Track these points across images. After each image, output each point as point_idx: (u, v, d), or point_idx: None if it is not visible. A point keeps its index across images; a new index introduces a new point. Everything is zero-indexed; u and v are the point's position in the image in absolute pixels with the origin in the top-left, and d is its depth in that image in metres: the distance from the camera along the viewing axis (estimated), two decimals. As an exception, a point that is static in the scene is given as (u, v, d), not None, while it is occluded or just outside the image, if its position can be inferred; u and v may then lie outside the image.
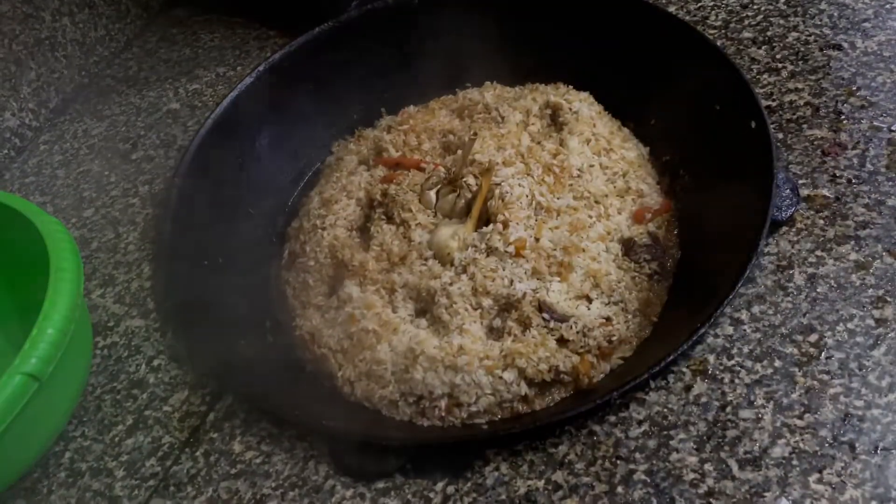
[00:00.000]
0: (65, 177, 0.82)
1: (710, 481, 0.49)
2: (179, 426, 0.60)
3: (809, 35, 0.75)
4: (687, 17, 0.80)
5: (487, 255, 0.64)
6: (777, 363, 0.53)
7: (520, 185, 0.67)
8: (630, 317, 0.62)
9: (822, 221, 0.61)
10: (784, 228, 0.61)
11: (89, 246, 0.74)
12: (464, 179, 0.70)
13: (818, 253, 0.59)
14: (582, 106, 0.75)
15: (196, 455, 0.58)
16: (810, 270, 0.58)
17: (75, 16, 0.89)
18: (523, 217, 0.65)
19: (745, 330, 0.56)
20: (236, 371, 0.61)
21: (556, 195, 0.67)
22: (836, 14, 0.76)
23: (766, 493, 0.48)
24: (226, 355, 0.61)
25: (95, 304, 0.69)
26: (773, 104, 0.70)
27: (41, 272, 0.56)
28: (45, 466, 0.59)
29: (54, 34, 0.87)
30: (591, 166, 0.70)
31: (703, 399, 0.53)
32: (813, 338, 0.54)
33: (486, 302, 0.63)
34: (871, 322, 0.54)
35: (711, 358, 0.55)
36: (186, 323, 0.65)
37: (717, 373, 0.54)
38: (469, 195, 0.70)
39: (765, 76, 0.73)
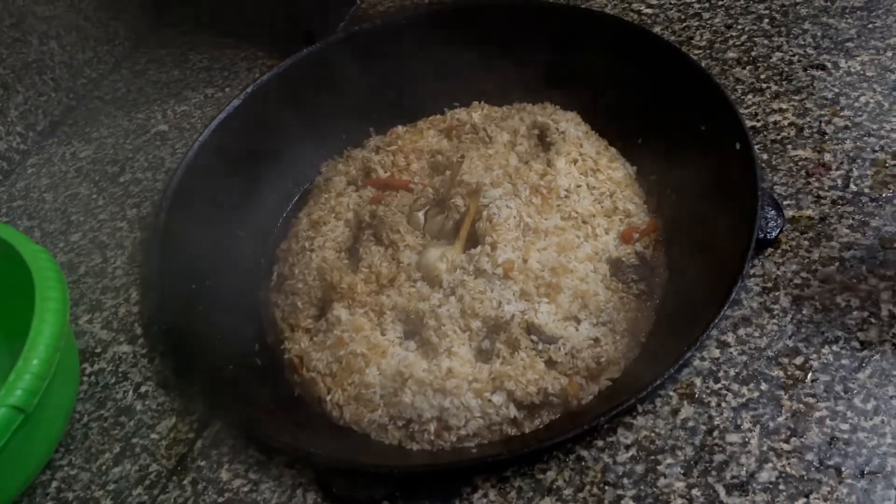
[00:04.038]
0: (52, 200, 0.82)
1: (697, 507, 0.49)
2: (167, 454, 0.59)
3: (793, 55, 0.76)
4: (672, 38, 0.80)
5: (476, 277, 0.64)
6: (763, 386, 0.54)
7: (507, 206, 0.67)
8: (618, 337, 0.62)
9: (806, 242, 0.61)
10: (769, 250, 0.61)
11: (77, 271, 0.74)
12: (452, 201, 0.71)
13: (803, 274, 0.59)
14: (569, 126, 0.75)
15: (184, 483, 0.57)
16: (795, 292, 0.58)
17: (63, 39, 0.89)
18: (511, 238, 0.65)
19: (731, 353, 0.56)
20: (224, 396, 0.60)
21: (543, 216, 0.67)
22: (819, 34, 0.77)
23: (753, 519, 0.48)
24: (214, 380, 0.61)
25: (83, 330, 0.69)
26: (758, 124, 0.70)
27: (27, 300, 0.56)
28: (31, 496, 0.59)
29: (42, 57, 0.87)
30: (579, 186, 0.70)
31: (691, 423, 0.53)
32: (798, 360, 0.54)
33: (475, 324, 0.63)
34: (856, 344, 0.54)
35: (698, 381, 0.55)
36: (174, 348, 0.65)
37: (704, 396, 0.54)
38: (457, 216, 0.70)
39: (749, 96, 0.73)
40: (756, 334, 0.56)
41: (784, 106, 0.71)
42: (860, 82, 0.71)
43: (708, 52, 0.79)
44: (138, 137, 0.87)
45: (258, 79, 0.80)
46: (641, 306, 0.63)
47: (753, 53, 0.77)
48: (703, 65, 0.73)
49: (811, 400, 0.52)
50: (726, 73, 0.76)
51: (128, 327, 0.69)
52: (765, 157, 0.68)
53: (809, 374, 0.54)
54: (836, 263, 0.59)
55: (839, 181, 0.64)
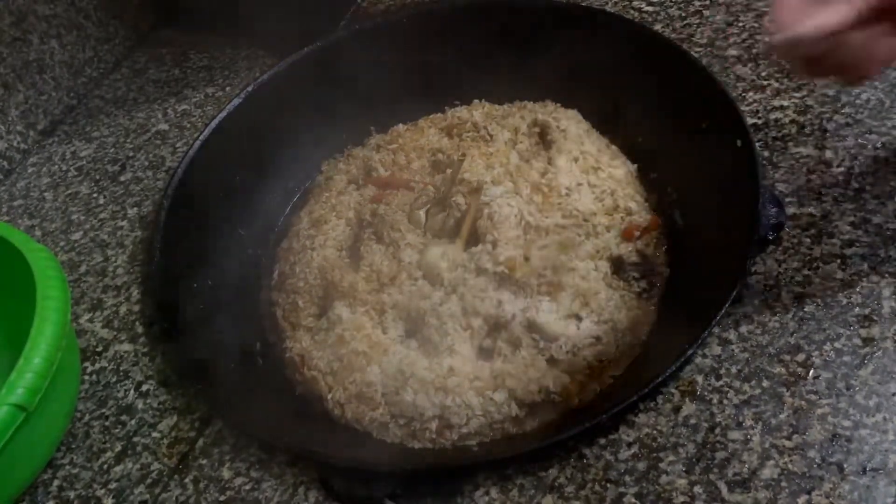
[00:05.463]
0: (53, 199, 0.82)
1: (699, 504, 0.49)
2: (168, 452, 0.59)
3: (794, 52, 0.76)
4: (673, 35, 0.80)
5: (477, 275, 0.64)
6: (765, 383, 0.54)
7: (508, 204, 0.67)
8: (620, 336, 0.62)
9: (808, 240, 0.61)
10: (771, 247, 0.61)
11: (77, 270, 0.74)
12: (453, 199, 0.70)
13: (805, 272, 0.59)
14: (570, 124, 0.75)
15: (185, 482, 0.57)
16: (797, 289, 0.58)
17: (63, 38, 0.89)
18: (512, 237, 0.65)
19: (733, 350, 0.56)
20: (225, 395, 0.60)
21: (544, 214, 0.67)
22: (820, 31, 0.77)
23: (755, 516, 0.48)
24: (215, 379, 0.61)
25: (84, 329, 0.69)
26: (759, 122, 0.70)
27: (29, 299, 0.56)
28: (33, 495, 0.59)
29: (42, 56, 0.87)
30: (580, 184, 0.70)
31: (693, 420, 0.53)
32: (800, 357, 0.54)
33: (476, 322, 0.63)
34: (857, 341, 0.54)
35: (700, 378, 0.55)
36: (175, 347, 0.65)
37: (706, 394, 0.54)
38: (458, 215, 0.70)
39: (750, 94, 0.73)
40: (758, 331, 0.56)
41: (785, 103, 0.71)
42: (861, 79, 0.71)
43: (709, 49, 0.78)
44: (139, 136, 0.87)
45: (258, 78, 0.80)
46: (643, 304, 0.63)
47: (754, 51, 0.77)
48: (703, 62, 0.73)
49: (813, 397, 0.52)
50: (727, 71, 0.76)
51: (129, 326, 0.69)
52: (766, 154, 0.68)
53: (811, 371, 0.54)
54: (838, 261, 0.59)
55: (841, 178, 0.64)
